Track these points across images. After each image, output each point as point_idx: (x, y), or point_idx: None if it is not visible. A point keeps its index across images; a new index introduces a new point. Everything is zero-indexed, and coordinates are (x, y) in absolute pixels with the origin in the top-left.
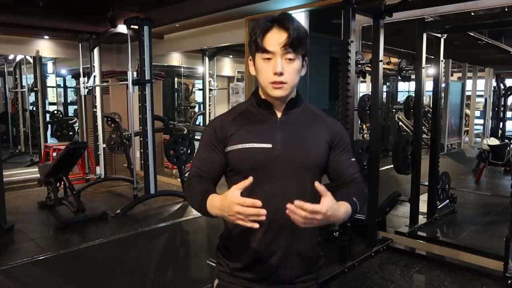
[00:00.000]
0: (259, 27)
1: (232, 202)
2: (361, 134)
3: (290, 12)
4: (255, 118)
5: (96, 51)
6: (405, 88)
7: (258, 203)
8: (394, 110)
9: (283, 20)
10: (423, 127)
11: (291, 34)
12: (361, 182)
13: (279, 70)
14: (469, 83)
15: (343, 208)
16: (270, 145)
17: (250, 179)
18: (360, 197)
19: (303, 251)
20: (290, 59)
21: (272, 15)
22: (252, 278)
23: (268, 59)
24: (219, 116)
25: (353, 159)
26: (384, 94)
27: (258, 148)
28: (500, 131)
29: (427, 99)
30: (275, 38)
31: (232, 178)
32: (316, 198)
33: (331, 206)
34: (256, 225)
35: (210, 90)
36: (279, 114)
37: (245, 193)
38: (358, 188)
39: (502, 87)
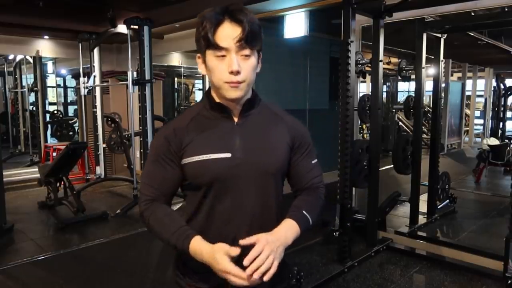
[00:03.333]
0: (208, 21)
1: (223, 270)
2: (361, 134)
3: (290, 12)
4: (210, 123)
5: (96, 51)
6: (405, 88)
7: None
8: (394, 110)
9: (235, 12)
10: (423, 127)
11: (245, 28)
12: (318, 187)
13: (236, 68)
14: (469, 83)
15: (283, 232)
16: (229, 155)
17: (237, 251)
18: (313, 207)
19: None
20: (246, 56)
21: (221, 6)
22: None
23: (222, 56)
24: (171, 122)
25: (315, 161)
26: (384, 94)
27: (216, 159)
28: (500, 131)
29: (427, 99)
30: (228, 33)
31: (191, 192)
32: (279, 204)
33: (265, 243)
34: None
35: None
36: (235, 118)
37: (206, 208)
38: (311, 198)
39: (502, 87)
